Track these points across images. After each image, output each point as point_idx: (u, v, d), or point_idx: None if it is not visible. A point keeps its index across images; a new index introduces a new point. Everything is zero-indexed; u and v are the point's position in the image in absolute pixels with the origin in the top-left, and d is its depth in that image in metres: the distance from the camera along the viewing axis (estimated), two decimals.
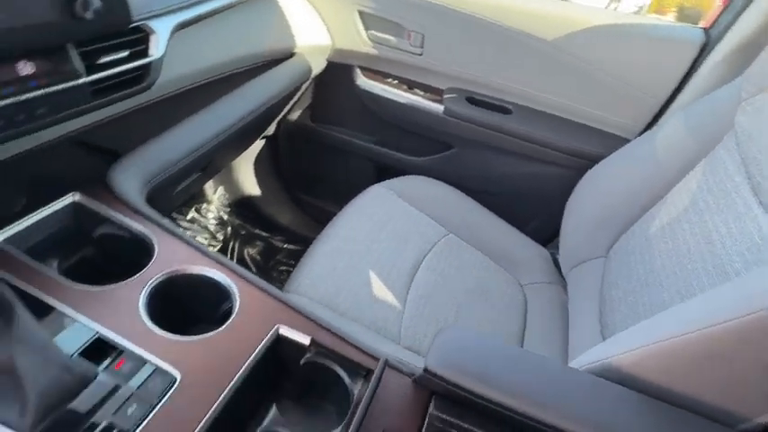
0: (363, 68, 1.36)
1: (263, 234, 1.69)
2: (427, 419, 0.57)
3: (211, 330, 0.59)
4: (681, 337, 0.52)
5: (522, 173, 1.30)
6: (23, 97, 0.53)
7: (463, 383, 0.54)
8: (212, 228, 1.62)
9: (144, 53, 0.68)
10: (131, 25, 0.65)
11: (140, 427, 0.48)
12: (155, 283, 0.61)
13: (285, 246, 1.69)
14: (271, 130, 1.52)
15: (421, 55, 1.26)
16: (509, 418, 0.54)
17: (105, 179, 0.70)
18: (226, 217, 1.66)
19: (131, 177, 0.72)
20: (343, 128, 1.47)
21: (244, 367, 0.56)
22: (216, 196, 1.66)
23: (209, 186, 1.63)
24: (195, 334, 0.57)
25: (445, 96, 1.28)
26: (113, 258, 0.67)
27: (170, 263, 0.64)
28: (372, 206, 1.15)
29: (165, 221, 0.69)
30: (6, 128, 0.53)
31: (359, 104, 1.39)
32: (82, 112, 0.62)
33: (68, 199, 0.67)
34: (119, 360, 0.52)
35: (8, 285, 0.51)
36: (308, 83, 1.33)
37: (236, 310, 0.62)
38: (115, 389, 0.50)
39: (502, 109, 1.25)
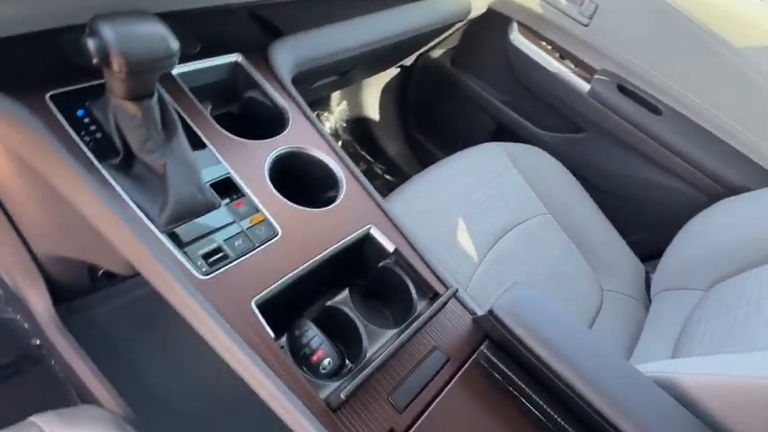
0: (521, 24, 1.31)
1: (368, 158, 1.76)
2: (476, 355, 0.60)
3: (315, 208, 0.65)
4: (761, 379, 0.49)
5: (649, 179, 1.21)
6: None
7: (522, 336, 0.56)
8: None
9: None
10: None
11: (240, 259, 0.56)
12: (282, 152, 0.68)
13: (385, 175, 1.75)
14: (409, 60, 1.53)
15: (587, 26, 1.19)
16: (552, 383, 0.55)
17: (266, 51, 0.77)
18: (340, 131, 1.75)
19: (287, 56, 0.78)
20: (479, 79, 1.45)
21: (334, 246, 0.61)
22: (338, 108, 1.74)
23: (334, 97, 1.71)
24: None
25: (595, 77, 1.21)
26: (253, 119, 0.74)
27: (298, 139, 0.70)
28: (482, 161, 1.15)
29: (304, 104, 0.75)
30: None
31: (503, 60, 1.36)
32: None
33: (233, 57, 0.74)
34: (239, 201, 0.60)
35: (175, 110, 0.59)
36: (462, 23, 1.31)
37: (340, 198, 0.67)
38: (231, 222, 0.58)
39: (652, 107, 1.16)
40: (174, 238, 0.54)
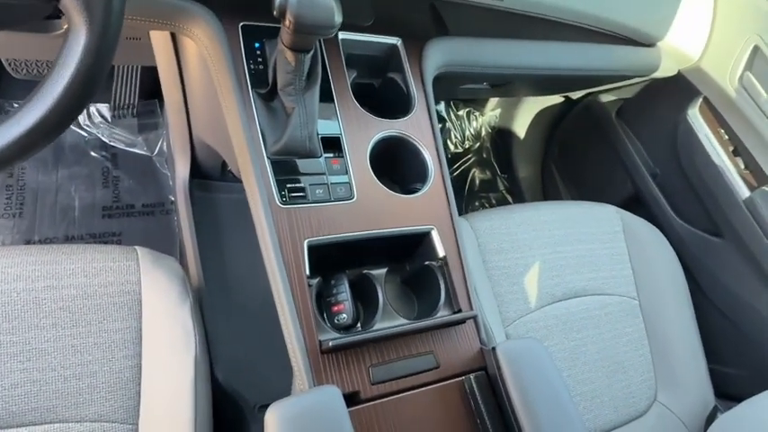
0: (706, 102, 1.20)
1: (496, 169, 1.77)
2: (463, 378, 0.64)
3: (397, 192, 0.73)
4: None
5: None
6: None
7: (510, 390, 0.59)
8: (467, 133, 1.76)
9: None
10: None
11: (313, 204, 0.66)
12: (392, 133, 0.76)
13: (503, 191, 1.76)
14: (577, 94, 1.49)
15: None
16: None
17: (424, 44, 0.85)
18: (483, 133, 1.78)
19: (439, 55, 0.85)
20: (637, 139, 1.36)
21: (394, 230, 0.69)
22: (490, 112, 1.77)
23: (492, 100, 1.73)
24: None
25: (762, 188, 1.07)
26: (386, 96, 0.83)
27: (413, 128, 0.78)
28: (593, 219, 1.12)
29: (432, 99, 0.82)
30: None
31: (671, 131, 1.26)
32: None
33: (394, 40, 0.83)
34: (336, 159, 0.71)
35: (322, 65, 0.71)
36: (643, 78, 1.24)
37: (421, 193, 0.74)
38: (321, 173, 0.69)
39: None
40: (275, 165, 0.67)
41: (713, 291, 1.17)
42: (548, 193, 1.67)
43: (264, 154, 0.66)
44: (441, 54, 0.86)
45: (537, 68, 1.02)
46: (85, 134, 1.28)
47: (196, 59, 0.79)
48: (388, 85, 0.84)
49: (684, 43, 1.15)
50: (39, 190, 1.18)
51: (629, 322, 1.06)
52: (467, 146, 1.75)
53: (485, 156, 1.77)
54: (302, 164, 0.69)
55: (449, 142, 1.72)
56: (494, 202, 1.71)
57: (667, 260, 1.13)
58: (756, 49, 1.06)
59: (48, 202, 1.17)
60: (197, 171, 1.04)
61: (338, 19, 0.60)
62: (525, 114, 1.67)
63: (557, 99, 1.57)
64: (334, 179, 0.70)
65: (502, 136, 1.75)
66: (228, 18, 0.70)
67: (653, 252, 1.13)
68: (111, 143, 1.28)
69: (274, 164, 0.67)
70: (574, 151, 1.58)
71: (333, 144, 0.72)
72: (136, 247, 0.74)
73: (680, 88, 1.23)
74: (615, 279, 1.08)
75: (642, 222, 1.15)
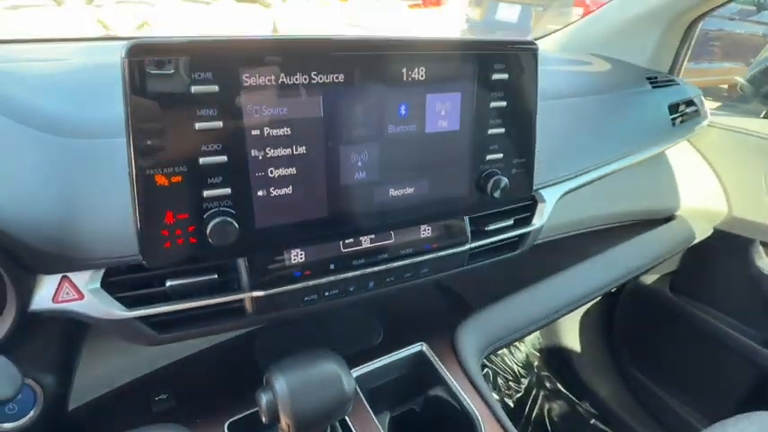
0: (765, 245, 1.03)
1: (571, 397, 1.46)
2: None
3: None
4: None
5: None
6: (417, 259, 0.54)
7: None
8: (516, 368, 1.50)
9: (527, 221, 0.64)
10: None
11: None
12: None
13: (593, 421, 1.40)
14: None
15: None
16: None
17: (452, 335, 0.68)
18: (535, 363, 1.52)
19: (474, 341, 0.67)
20: (715, 310, 1.14)
21: None
22: (529, 336, 1.55)
23: None
24: None
25: None
26: (440, 424, 0.62)
27: None
28: None
29: (496, 403, 0.60)
30: (394, 282, 0.55)
31: (749, 287, 1.05)
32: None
33: (417, 347, 0.66)
34: None
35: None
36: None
37: None
38: None
39: None
40: None
41: None
42: (646, 403, 1.34)
43: None
44: (477, 336, 0.68)
45: (579, 297, 0.85)
46: None
47: None
48: (435, 407, 0.63)
49: (702, 202, 1.05)
50: None
51: None
52: (524, 383, 1.47)
53: (549, 386, 1.47)
54: None
55: (505, 399, 1.42)
56: None
57: None
58: None
59: None
60: None
61: (350, 386, 0.43)
62: (569, 324, 1.45)
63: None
64: None
65: (556, 356, 1.49)
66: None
67: None
68: None
69: None
70: (647, 346, 1.32)
71: None
72: None
73: (727, 243, 1.08)
74: None
75: None
